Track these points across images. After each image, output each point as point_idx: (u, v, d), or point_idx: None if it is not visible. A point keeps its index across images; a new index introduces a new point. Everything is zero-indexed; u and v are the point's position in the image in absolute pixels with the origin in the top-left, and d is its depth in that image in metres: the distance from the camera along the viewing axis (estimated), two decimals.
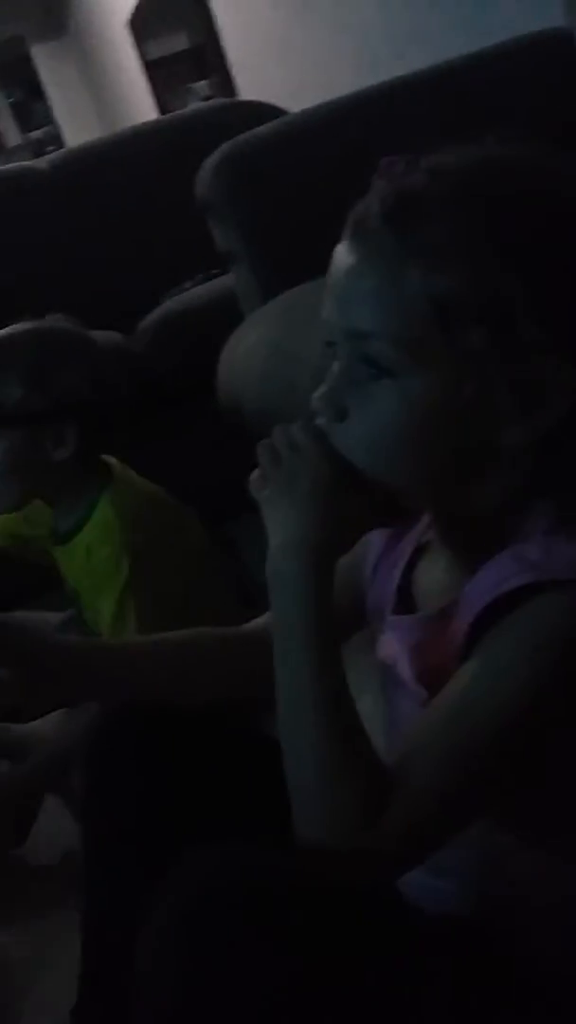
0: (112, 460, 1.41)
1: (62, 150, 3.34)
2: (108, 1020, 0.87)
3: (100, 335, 1.48)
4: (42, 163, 2.83)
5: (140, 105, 5.90)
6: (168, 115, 4.01)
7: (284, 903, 0.62)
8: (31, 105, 9.59)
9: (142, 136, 2.90)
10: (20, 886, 1.35)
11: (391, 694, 0.76)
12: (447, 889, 0.73)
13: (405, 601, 0.75)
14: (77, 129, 7.52)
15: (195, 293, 2.36)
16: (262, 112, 2.55)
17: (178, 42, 5.42)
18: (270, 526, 0.70)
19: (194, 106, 3.73)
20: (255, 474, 0.71)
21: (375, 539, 0.79)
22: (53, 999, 0.98)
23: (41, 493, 1.40)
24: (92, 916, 0.92)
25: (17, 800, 1.39)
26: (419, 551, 0.76)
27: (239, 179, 1.89)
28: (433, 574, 0.73)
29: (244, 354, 1.72)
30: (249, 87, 4.12)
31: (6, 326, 1.37)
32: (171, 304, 2.34)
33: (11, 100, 10.02)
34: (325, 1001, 0.62)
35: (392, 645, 0.73)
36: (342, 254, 0.66)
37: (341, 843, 0.61)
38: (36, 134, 9.16)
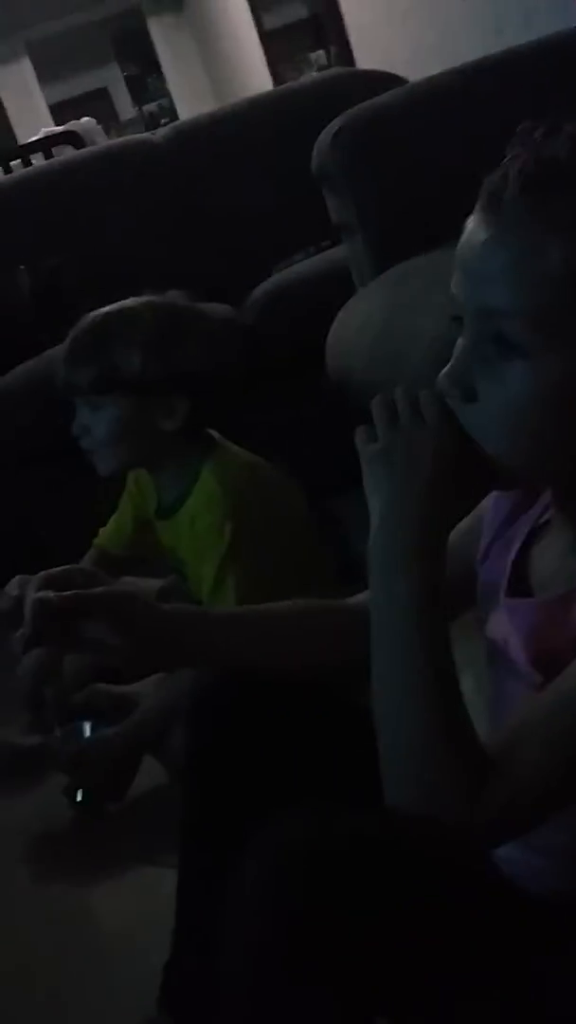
0: (214, 432, 1.43)
1: (177, 122, 3.36)
2: (201, 975, 0.90)
3: (211, 307, 1.49)
4: (157, 136, 2.86)
5: (256, 77, 5.88)
6: (284, 85, 3.99)
7: (373, 864, 0.63)
8: (146, 79, 9.70)
9: (258, 107, 2.89)
10: (117, 842, 1.38)
11: (498, 674, 0.75)
12: (544, 867, 0.73)
13: (519, 582, 0.73)
14: (191, 102, 7.56)
15: (306, 265, 2.34)
16: (382, 81, 2.51)
17: (296, 11, 5.39)
18: (373, 484, 0.68)
19: (311, 76, 3.71)
20: (363, 429, 0.69)
21: (489, 517, 0.78)
22: (147, 953, 1.00)
23: (145, 461, 1.43)
24: (187, 874, 0.94)
25: (117, 758, 1.43)
26: (536, 532, 0.74)
27: (358, 149, 1.87)
28: (551, 557, 0.71)
29: (354, 328, 1.71)
30: (368, 56, 4.05)
31: (123, 297, 1.39)
32: (281, 276, 2.33)
33: (127, 74, 10.16)
34: (413, 960, 0.63)
35: (505, 626, 0.71)
36: (474, 227, 0.63)
37: (441, 813, 0.60)
38: (150, 107, 9.28)
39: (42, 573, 0.79)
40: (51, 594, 0.76)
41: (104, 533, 1.65)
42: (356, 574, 1.58)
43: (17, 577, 0.81)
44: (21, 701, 1.57)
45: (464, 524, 0.79)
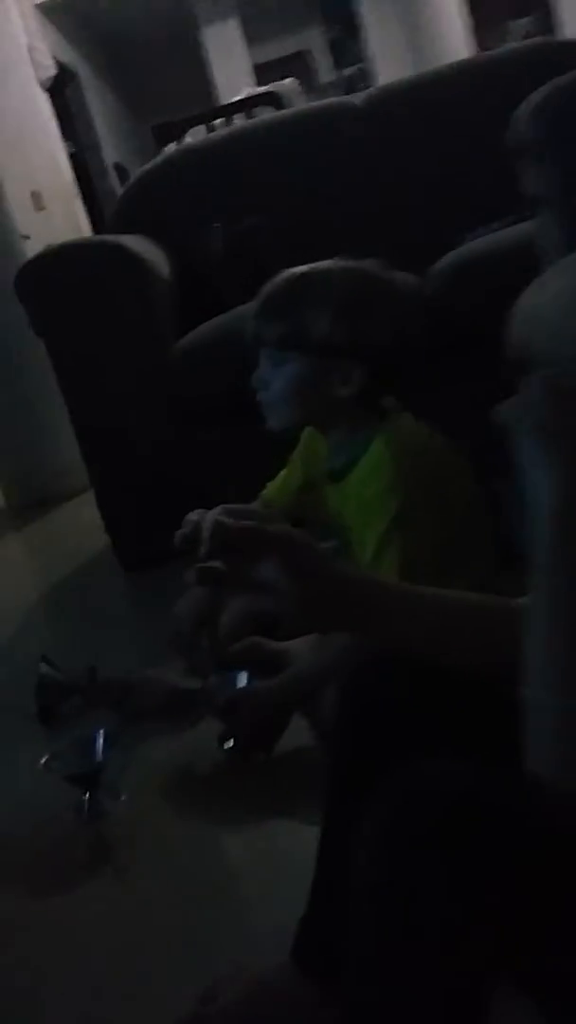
0: (390, 402, 1.43)
1: (377, 86, 3.34)
2: (335, 931, 0.92)
3: (402, 278, 1.48)
4: (356, 98, 2.84)
5: (456, 43, 5.75)
6: (488, 52, 3.88)
7: (501, 813, 0.63)
8: (346, 42, 9.63)
9: (459, 73, 2.83)
10: (260, 795, 1.41)
11: None
12: None
13: None
14: (389, 68, 7.46)
15: (495, 238, 2.29)
16: None
17: None
18: (543, 460, 0.66)
19: (514, 44, 3.59)
20: (516, 400, 0.67)
21: None
22: (283, 906, 1.03)
23: (316, 422, 1.46)
24: (329, 833, 0.96)
25: (268, 712, 1.47)
26: None
27: (562, 121, 1.80)
28: None
29: (541, 305, 1.66)
30: (573, 25, 3.89)
31: (315, 260, 1.40)
32: (468, 247, 2.29)
33: (328, 36, 10.11)
34: (535, 917, 0.63)
35: None
36: None
37: None
38: (348, 71, 9.22)
39: (223, 505, 0.79)
40: (230, 520, 0.75)
41: (272, 487, 1.68)
42: (515, 557, 1.56)
43: (197, 510, 0.82)
44: (178, 644, 1.63)
45: None
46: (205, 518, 0.78)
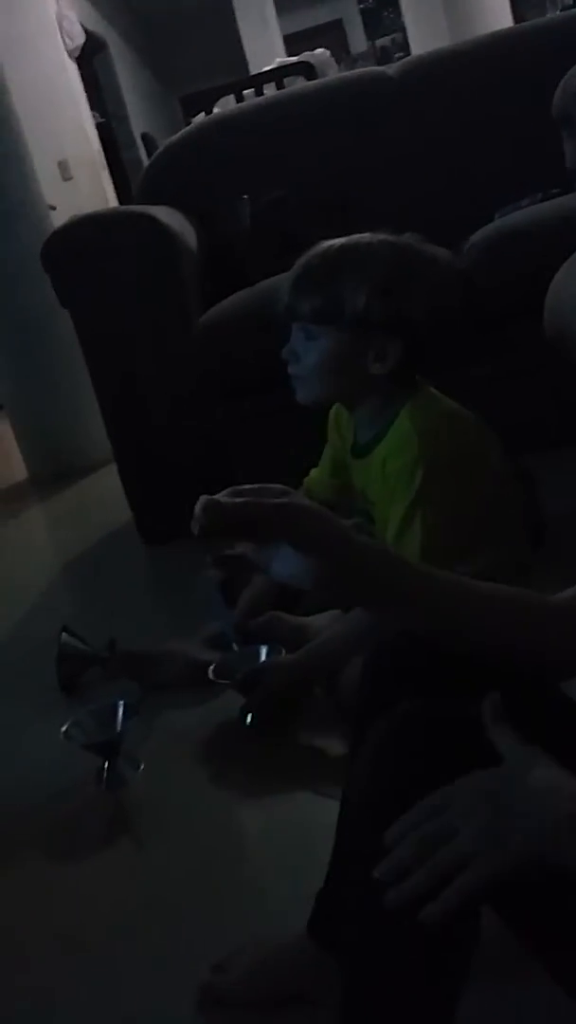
0: (419, 376, 1.40)
1: (412, 56, 3.28)
2: (354, 899, 0.93)
3: (440, 253, 1.45)
4: (391, 69, 2.80)
5: (495, 14, 5.65)
6: (526, 23, 3.81)
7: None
8: (381, 12, 9.51)
9: (497, 44, 2.77)
10: (278, 769, 1.42)
11: None
12: None
13: None
14: (425, 39, 7.35)
15: (531, 211, 2.24)
16: None
17: None
18: None
19: (555, 15, 3.52)
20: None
21: None
22: (299, 880, 1.04)
23: (346, 397, 1.42)
24: (353, 801, 0.96)
25: (287, 685, 1.47)
26: None
27: None
28: None
29: None
30: None
31: (344, 233, 1.35)
32: (504, 221, 2.25)
33: (362, 6, 9.99)
34: None
35: None
36: None
37: None
38: (382, 41, 9.11)
39: (231, 488, 0.73)
40: (223, 499, 0.71)
41: (312, 475, 1.65)
42: (545, 535, 1.54)
43: (202, 496, 0.79)
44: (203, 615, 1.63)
45: None
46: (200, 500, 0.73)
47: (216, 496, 0.71)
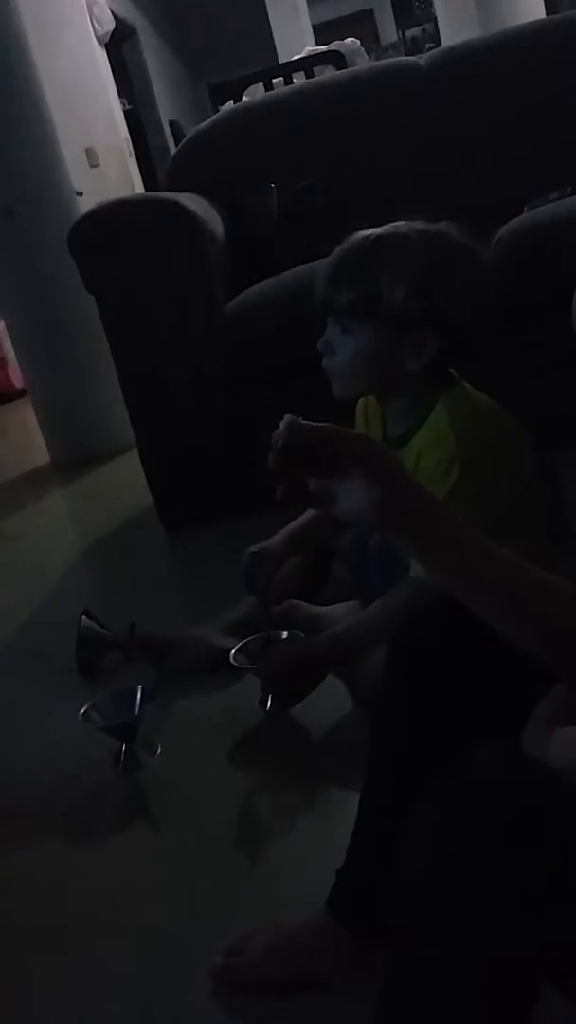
0: (452, 371, 1.39)
1: (442, 47, 3.26)
2: (373, 883, 0.94)
3: (479, 246, 1.42)
4: (421, 59, 2.78)
5: (527, 5, 5.61)
6: (559, 15, 3.78)
7: (561, 812, 0.62)
8: (411, 2, 9.45)
9: (529, 35, 2.75)
10: (299, 753, 1.43)
11: None
12: None
13: None
14: (456, 30, 7.29)
15: (560, 205, 2.23)
16: None
17: None
18: None
19: None
20: None
21: None
22: (314, 865, 1.04)
23: (380, 392, 1.39)
24: (373, 783, 0.97)
25: (299, 666, 1.47)
26: None
27: None
28: None
29: None
30: None
31: (372, 225, 1.31)
32: (533, 215, 2.23)
33: None
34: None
35: None
36: None
37: None
38: (412, 32, 9.05)
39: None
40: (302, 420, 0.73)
41: None
42: (567, 534, 1.53)
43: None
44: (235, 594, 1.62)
45: None
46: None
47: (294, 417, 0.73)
